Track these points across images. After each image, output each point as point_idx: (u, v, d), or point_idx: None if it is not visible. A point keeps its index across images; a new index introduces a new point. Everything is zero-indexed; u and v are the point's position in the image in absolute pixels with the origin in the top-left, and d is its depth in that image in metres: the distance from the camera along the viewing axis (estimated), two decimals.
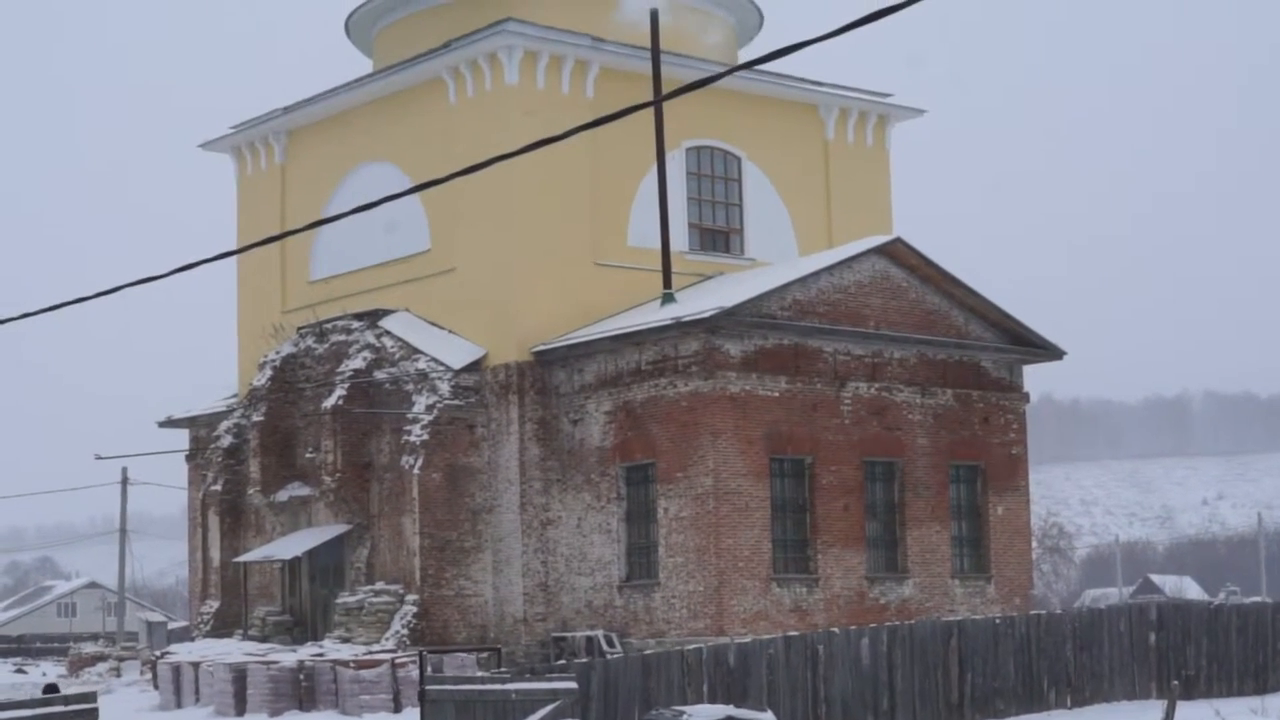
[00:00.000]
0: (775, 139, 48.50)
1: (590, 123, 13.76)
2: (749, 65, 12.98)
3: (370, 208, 16.56)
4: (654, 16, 44.15)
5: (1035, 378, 47.20)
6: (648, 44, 44.21)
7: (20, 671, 76.05)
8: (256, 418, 47.17)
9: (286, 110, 50.38)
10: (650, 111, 43.22)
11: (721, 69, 47.31)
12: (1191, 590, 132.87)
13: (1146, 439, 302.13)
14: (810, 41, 11.93)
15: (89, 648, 70.29)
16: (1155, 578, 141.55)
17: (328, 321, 46.65)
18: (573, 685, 27.28)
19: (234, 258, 52.06)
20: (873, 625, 33.24)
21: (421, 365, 43.84)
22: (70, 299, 18.20)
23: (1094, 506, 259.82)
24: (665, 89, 43.80)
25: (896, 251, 43.48)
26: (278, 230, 50.36)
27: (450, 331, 44.93)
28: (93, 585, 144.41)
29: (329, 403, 44.54)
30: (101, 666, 61.76)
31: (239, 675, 41.63)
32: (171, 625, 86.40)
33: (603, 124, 13.73)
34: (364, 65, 53.48)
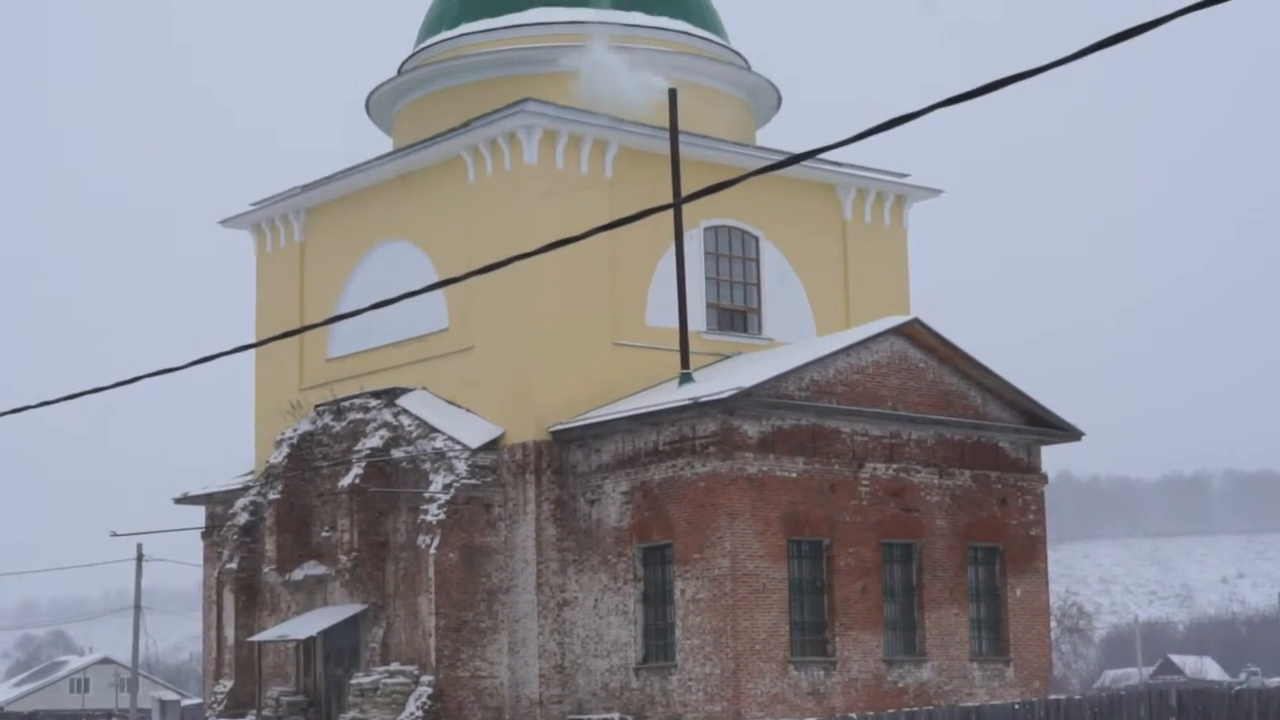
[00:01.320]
0: (793, 219, 48.54)
1: (606, 225, 13.76)
2: (768, 170, 12.99)
3: (390, 303, 16.51)
4: (672, 97, 44.32)
5: (1054, 455, 47.08)
6: (666, 123, 44.35)
7: None
8: (273, 495, 47.11)
9: (306, 188, 50.54)
10: (669, 191, 43.31)
11: (739, 150, 47.59)
12: (1212, 671, 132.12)
13: (1166, 517, 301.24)
14: (827, 148, 11.95)
15: None
16: (1176, 658, 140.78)
17: (345, 399, 46.64)
18: None
19: (253, 333, 52.23)
20: (891, 711, 33.03)
21: (439, 444, 43.78)
22: (88, 388, 18.19)
23: (1113, 585, 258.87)
24: (684, 169, 43.93)
25: (914, 332, 43.43)
26: (297, 307, 50.60)
27: (468, 410, 44.89)
28: (106, 661, 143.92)
29: (346, 481, 44.47)
30: None
31: None
32: (185, 703, 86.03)
33: (621, 225, 13.74)
34: (384, 143, 53.68)
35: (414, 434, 44.42)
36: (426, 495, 43.17)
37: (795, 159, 12.46)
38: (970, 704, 34.62)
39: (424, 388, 46.08)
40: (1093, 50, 10.89)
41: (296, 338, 50.42)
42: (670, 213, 43.74)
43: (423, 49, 51.31)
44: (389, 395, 45.91)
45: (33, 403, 21.75)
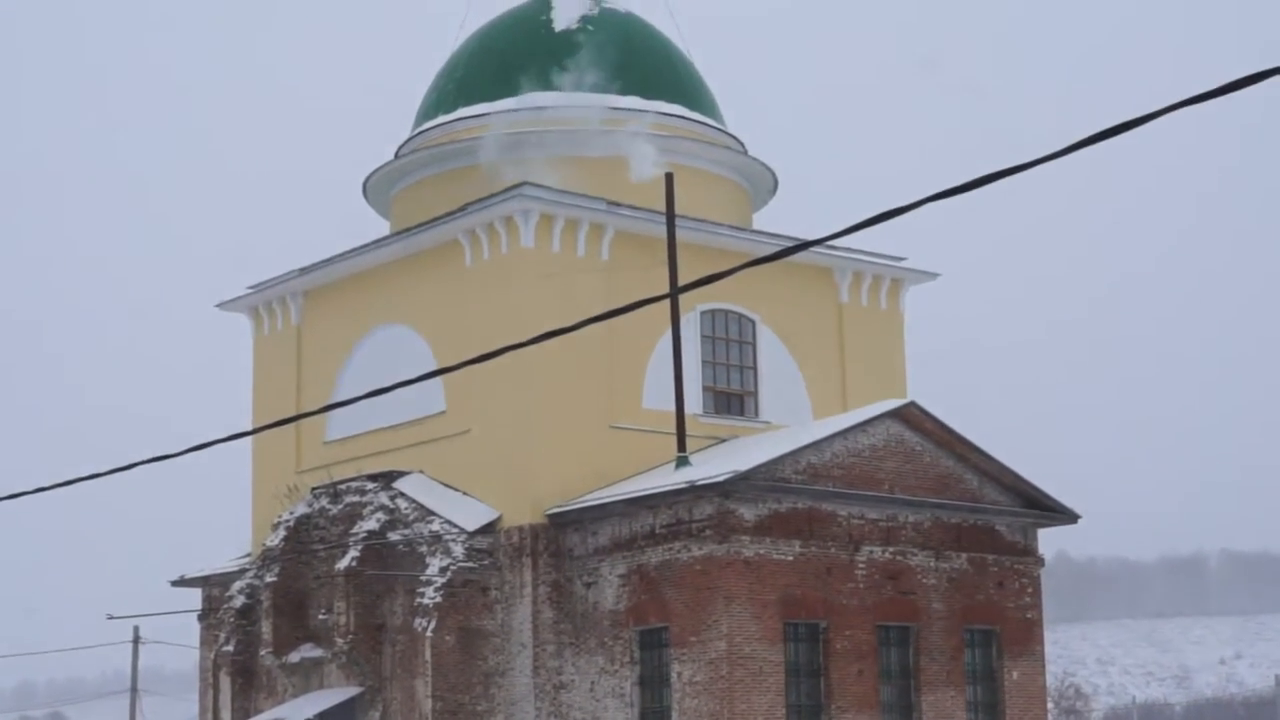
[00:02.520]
0: (789, 302, 48.74)
1: (601, 315, 13.91)
2: (763, 261, 13.13)
3: (386, 392, 16.63)
4: (669, 181, 44.58)
5: (1051, 536, 47.15)
6: (662, 207, 44.59)
7: None
8: (269, 578, 47.08)
9: (303, 271, 50.74)
10: (664, 275, 43.53)
11: (736, 234, 47.85)
12: None
13: (1163, 597, 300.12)
14: (823, 240, 12.10)
15: None
16: None
17: (342, 482, 46.69)
18: None
19: (249, 416, 52.34)
20: None
21: (435, 527, 43.82)
22: (85, 475, 18.30)
23: (1110, 666, 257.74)
24: (681, 252, 44.14)
25: (910, 416, 43.56)
26: (294, 390, 50.75)
27: (465, 494, 44.95)
28: None
29: (342, 564, 44.48)
30: None
31: None
32: None
33: (617, 315, 13.86)
34: (381, 226, 53.95)
35: (411, 517, 44.46)
36: (423, 578, 43.16)
37: (791, 250, 12.62)
38: None
39: (421, 471, 46.14)
40: (1088, 143, 11.07)
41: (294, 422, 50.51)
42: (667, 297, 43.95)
43: (419, 133, 51.66)
44: (386, 478, 45.97)
45: (28, 489, 21.83)
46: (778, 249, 47.74)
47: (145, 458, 17.42)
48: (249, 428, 52.01)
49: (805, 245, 12.99)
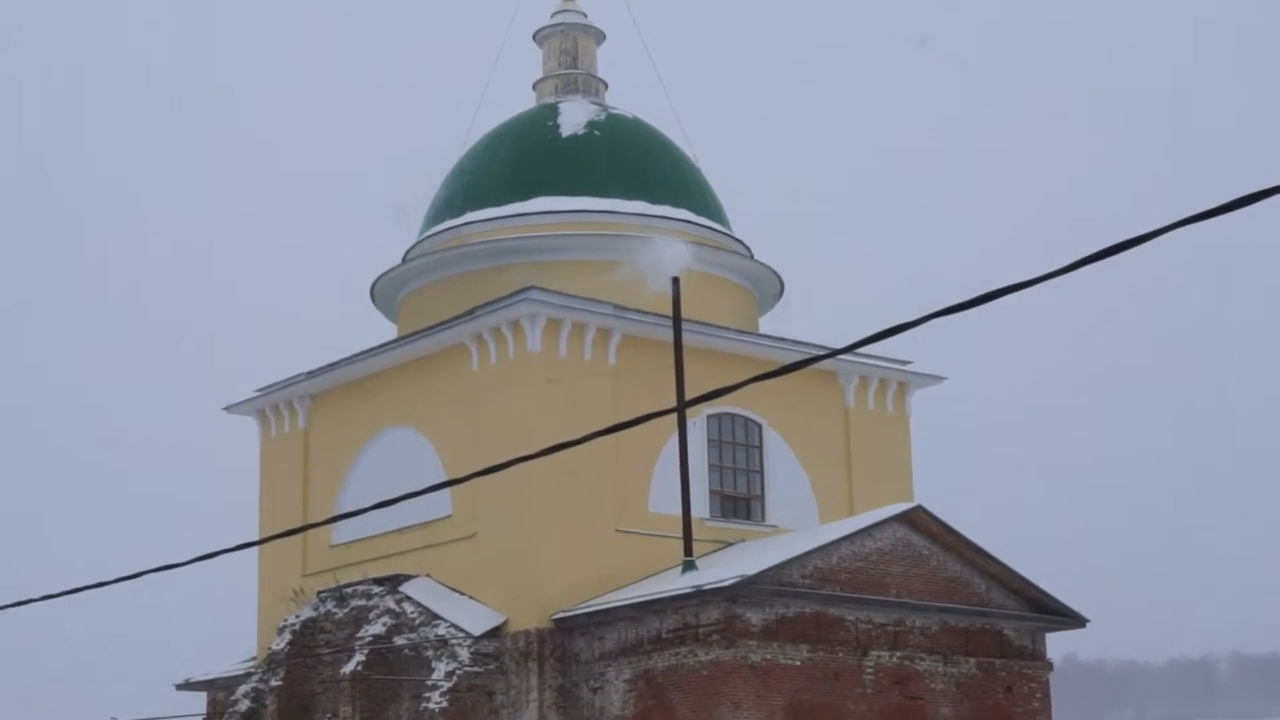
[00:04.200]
0: (796, 406, 48.76)
1: (607, 429, 13.96)
2: (770, 376, 13.16)
3: (393, 503, 16.66)
4: (675, 286, 44.70)
5: (1059, 639, 46.98)
6: (669, 311, 44.70)
7: None
8: (275, 682, 46.87)
9: (311, 375, 50.80)
10: (671, 379, 43.59)
11: (743, 338, 47.97)
12: None
13: (1173, 701, 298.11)
14: (829, 354, 12.17)
15: None
16: None
17: (348, 586, 46.57)
18: None
19: (256, 518, 52.30)
20: None
21: (441, 631, 43.67)
22: (90, 583, 18.28)
23: None
24: (687, 356, 44.23)
25: (917, 519, 43.48)
26: (301, 494, 50.74)
27: (470, 597, 44.83)
28: None
29: (348, 668, 44.30)
30: None
31: None
32: None
33: (623, 429, 13.91)
34: (388, 330, 54.11)
35: (417, 621, 44.32)
36: (429, 683, 42.97)
37: (797, 366, 12.69)
38: None
39: (427, 574, 46.03)
40: (1094, 260, 11.15)
41: (299, 523, 50.44)
42: (673, 400, 43.96)
43: (427, 237, 51.89)
44: (392, 582, 45.86)
45: (35, 596, 21.80)
46: (784, 352, 48.11)
47: (151, 567, 17.41)
48: (256, 528, 52.08)
49: (812, 360, 13.05)
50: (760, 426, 48.31)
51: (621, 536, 44.69)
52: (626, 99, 55.30)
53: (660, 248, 46.47)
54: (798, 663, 40.38)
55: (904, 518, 43.40)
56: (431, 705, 42.59)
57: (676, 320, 44.45)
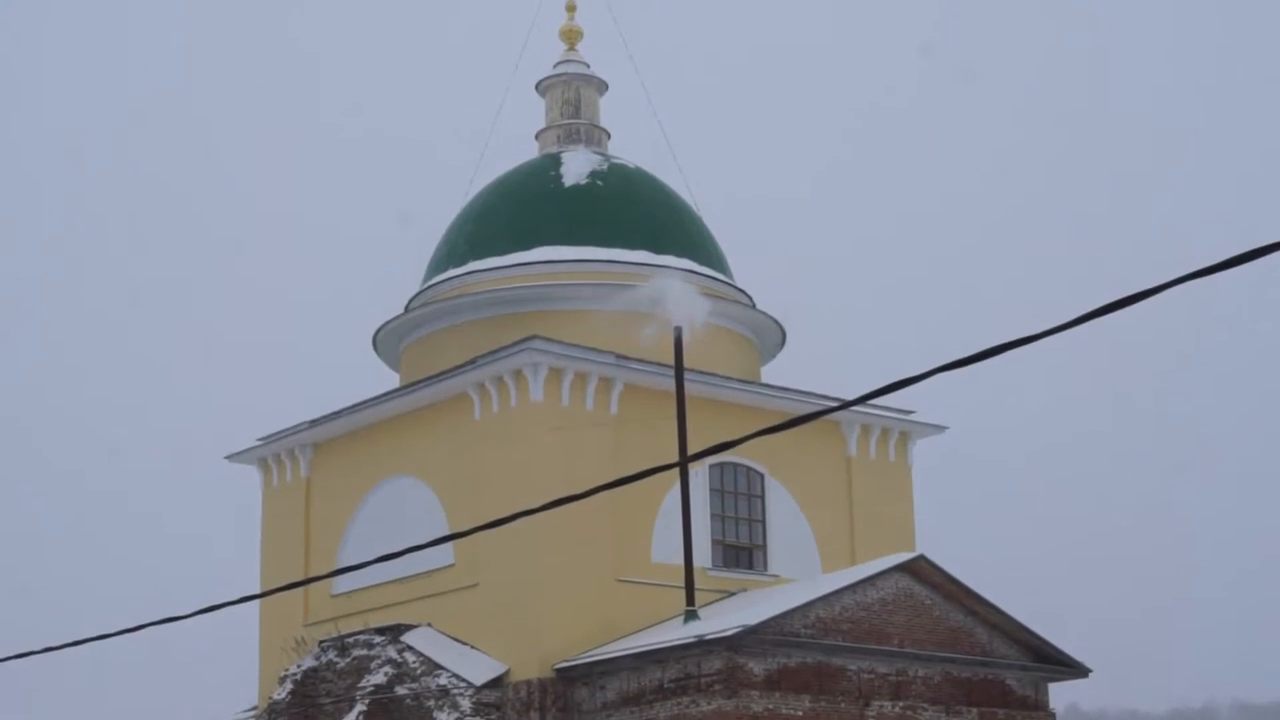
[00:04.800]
0: (798, 456, 48.74)
1: (610, 484, 13.98)
2: (774, 430, 13.20)
3: (395, 556, 16.68)
4: (677, 336, 44.71)
5: (1062, 689, 46.90)
6: (671, 360, 44.72)
7: None
8: None
9: (313, 423, 50.82)
10: (673, 429, 43.58)
11: (745, 387, 48.02)
12: None
13: None
14: (832, 409, 12.23)
15: None
16: None
17: (349, 636, 46.50)
18: None
19: (257, 568, 52.25)
20: None
21: (443, 681, 43.58)
22: (93, 635, 18.28)
23: None
24: (689, 406, 44.23)
25: (920, 569, 43.44)
26: (303, 543, 50.71)
27: (472, 647, 44.74)
28: None
29: (350, 718, 44.20)
30: None
31: None
32: None
33: (624, 484, 13.95)
34: (390, 378, 54.14)
35: (418, 671, 44.24)
36: None
37: (801, 420, 12.73)
38: None
39: (429, 624, 45.96)
40: (1099, 314, 11.17)
41: (302, 575, 50.38)
42: (675, 450, 43.98)
43: (430, 286, 51.95)
44: (393, 632, 45.79)
45: (36, 649, 21.78)
46: (787, 402, 48.13)
47: (154, 619, 17.41)
48: (258, 577, 52.01)
49: (816, 415, 13.09)
50: (762, 476, 48.30)
51: (623, 586, 44.66)
52: (629, 148, 55.52)
53: (669, 287, 46.38)
54: (800, 713, 40.28)
55: (906, 567, 43.35)
56: None
57: (679, 370, 44.46)
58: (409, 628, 45.92)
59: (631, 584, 44.77)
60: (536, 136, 55.62)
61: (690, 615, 42.76)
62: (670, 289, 45.68)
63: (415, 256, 54.73)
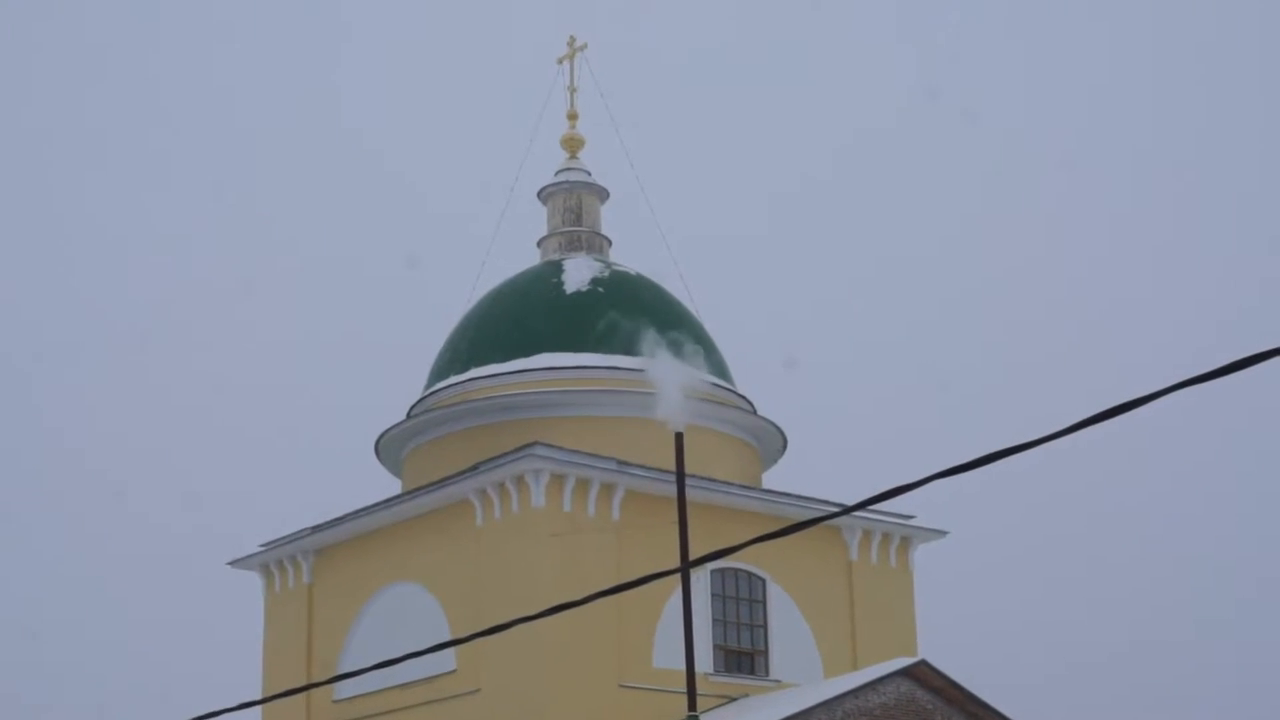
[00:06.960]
0: (799, 561, 48.83)
1: (611, 589, 14.22)
2: (775, 536, 13.41)
3: (396, 662, 16.84)
4: (679, 441, 44.86)
5: None
6: (672, 466, 44.85)
7: None
8: None
9: (315, 530, 50.95)
10: (674, 534, 43.65)
11: (746, 493, 48.17)
12: None
13: None
14: (833, 515, 12.46)
15: None
16: None
17: None
18: None
19: (260, 672, 52.20)
20: None
21: None
22: None
23: None
24: (690, 511, 44.25)
25: (922, 674, 43.45)
26: (305, 649, 50.65)
27: None
28: None
29: None
30: None
31: None
32: None
33: (629, 588, 14.16)
34: (392, 484, 54.28)
35: None
36: None
37: (802, 525, 12.98)
38: None
39: None
40: (1099, 419, 11.40)
41: (304, 680, 50.35)
42: (676, 555, 44.04)
43: (432, 393, 52.22)
44: None
45: None
46: (788, 508, 48.26)
47: None
48: (259, 680, 51.94)
49: (815, 521, 13.34)
50: (764, 581, 48.38)
51: (625, 691, 44.64)
52: (630, 255, 55.91)
53: (668, 370, 46.53)
54: None
55: (908, 672, 43.37)
56: None
57: (680, 476, 44.55)
58: None
59: (634, 689, 44.76)
60: (538, 244, 56.05)
61: None
62: (664, 369, 45.95)
63: (417, 362, 54.97)
